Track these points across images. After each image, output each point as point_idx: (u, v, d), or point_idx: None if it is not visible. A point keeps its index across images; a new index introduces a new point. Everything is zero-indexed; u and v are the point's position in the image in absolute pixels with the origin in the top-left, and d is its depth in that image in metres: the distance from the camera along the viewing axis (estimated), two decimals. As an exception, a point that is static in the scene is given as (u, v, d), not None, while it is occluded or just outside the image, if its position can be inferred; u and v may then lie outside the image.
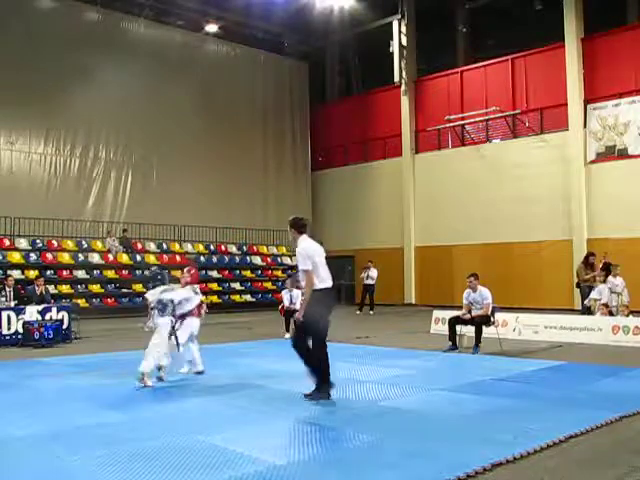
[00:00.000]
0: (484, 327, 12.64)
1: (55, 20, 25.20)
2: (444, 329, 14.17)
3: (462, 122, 27.97)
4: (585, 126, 24.18)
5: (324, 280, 7.82)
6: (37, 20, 24.50)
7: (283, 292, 16.21)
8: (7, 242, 22.99)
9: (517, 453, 5.55)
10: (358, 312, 23.76)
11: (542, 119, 25.63)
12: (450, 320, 13.12)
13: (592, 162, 24.06)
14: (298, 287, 7.87)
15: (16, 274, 19.95)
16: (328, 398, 7.80)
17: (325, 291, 7.81)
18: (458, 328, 12.99)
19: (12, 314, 14.76)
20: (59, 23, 25.20)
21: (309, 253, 7.78)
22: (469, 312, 12.72)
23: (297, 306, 15.57)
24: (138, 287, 23.94)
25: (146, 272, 9.79)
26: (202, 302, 10.22)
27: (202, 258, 27.16)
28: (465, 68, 28.30)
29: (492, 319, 12.83)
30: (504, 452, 5.54)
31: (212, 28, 30.31)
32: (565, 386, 9.02)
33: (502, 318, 14.80)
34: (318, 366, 7.84)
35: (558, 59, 24.77)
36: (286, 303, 15.68)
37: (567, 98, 24.49)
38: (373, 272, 24.29)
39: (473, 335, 12.60)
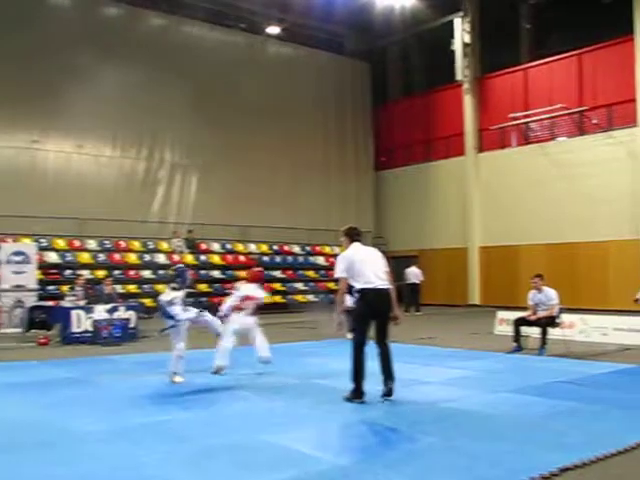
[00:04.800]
0: (550, 328, 12.45)
1: (123, 25, 25.93)
2: (508, 330, 13.97)
3: (526, 120, 27.51)
4: (655, 122, 23.56)
5: (368, 282, 7.95)
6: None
7: (346, 293, 16.22)
8: (77, 243, 23.62)
9: (586, 458, 5.44)
10: (407, 314, 23.35)
11: (610, 115, 25.04)
12: (515, 321, 12.95)
13: (663, 159, 23.41)
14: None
15: (85, 274, 20.44)
16: (355, 401, 7.84)
17: (368, 290, 7.94)
18: (523, 329, 12.82)
19: (82, 313, 15.20)
20: (126, 28, 25.93)
21: (344, 262, 8.08)
22: (534, 313, 12.54)
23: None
24: (203, 287, 24.29)
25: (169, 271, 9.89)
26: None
27: (265, 258, 27.39)
28: (529, 65, 27.83)
29: (558, 320, 12.62)
30: (571, 457, 5.44)
31: (274, 30, 30.58)
32: (635, 390, 8.81)
33: (568, 319, 14.50)
34: (352, 365, 7.94)
35: (627, 53, 24.12)
36: (348, 303, 15.68)
37: (636, 93, 23.84)
38: (415, 270, 24.26)
39: (538, 336, 12.42)
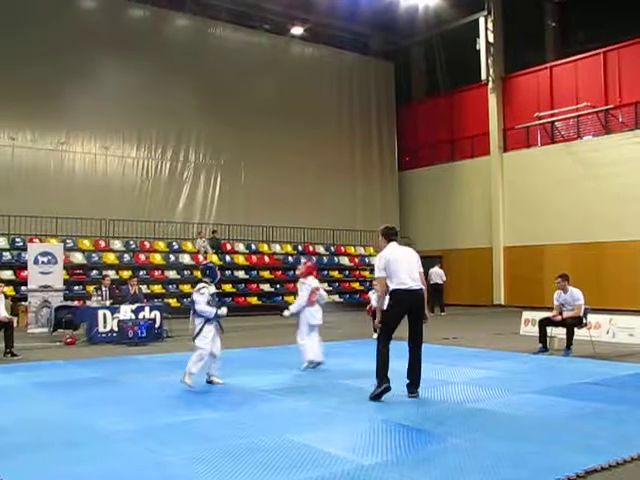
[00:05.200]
0: (576, 329, 12.34)
1: (147, 27, 26.16)
2: (534, 330, 13.87)
3: (552, 119, 27.30)
4: (683, 120, 23.27)
5: (401, 282, 8.01)
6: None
7: (370, 292, 16.25)
8: (102, 243, 23.84)
9: (612, 460, 5.39)
10: (432, 314, 23.23)
11: (636, 114, 24.76)
12: (541, 321, 12.85)
13: (691, 157, 23.10)
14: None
15: (111, 274, 20.62)
16: (378, 397, 7.92)
17: (401, 292, 8.00)
18: (549, 330, 12.73)
19: (108, 313, 15.32)
20: (150, 29, 26.15)
21: (382, 261, 8.14)
22: (560, 313, 12.43)
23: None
24: (227, 287, 24.37)
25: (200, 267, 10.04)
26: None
27: (290, 259, 27.44)
28: (554, 63, 27.61)
29: (584, 321, 12.50)
30: (598, 459, 5.40)
31: (298, 30, 30.65)
32: (663, 391, 8.71)
33: (595, 320, 14.37)
34: (377, 361, 8.03)
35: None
36: (374, 304, 15.69)
37: (663, 91, 23.59)
38: (438, 271, 24.03)
39: (564, 337, 12.32)
